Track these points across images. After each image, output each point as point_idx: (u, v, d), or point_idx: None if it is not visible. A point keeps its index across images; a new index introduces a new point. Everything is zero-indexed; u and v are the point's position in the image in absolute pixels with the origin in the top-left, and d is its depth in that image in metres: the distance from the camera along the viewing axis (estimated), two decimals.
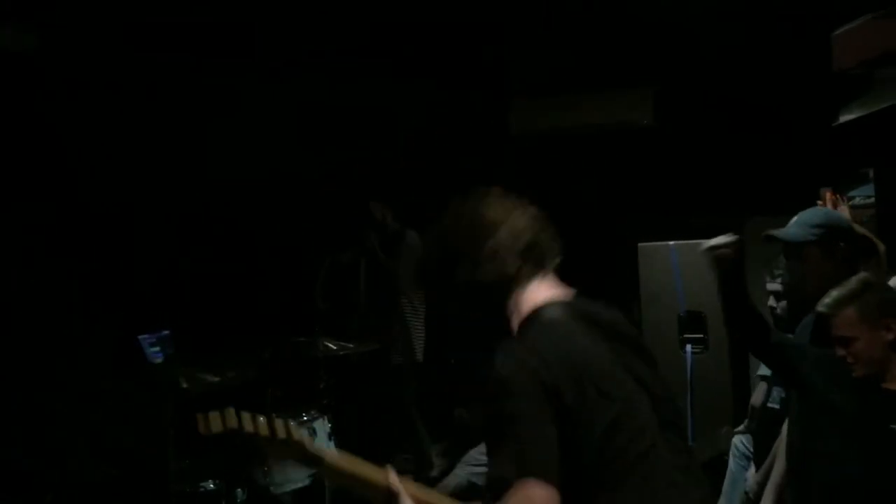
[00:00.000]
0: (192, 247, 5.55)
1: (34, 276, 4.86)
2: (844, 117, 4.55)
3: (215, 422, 1.59)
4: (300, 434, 1.71)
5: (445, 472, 5.59)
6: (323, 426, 4.50)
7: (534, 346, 1.73)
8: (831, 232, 2.78)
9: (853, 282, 2.62)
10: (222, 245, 5.67)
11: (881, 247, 3.07)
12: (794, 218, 2.87)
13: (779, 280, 3.86)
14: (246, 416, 1.62)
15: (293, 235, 5.96)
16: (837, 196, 3.97)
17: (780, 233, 2.84)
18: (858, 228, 3.07)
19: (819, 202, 3.79)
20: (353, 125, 6.14)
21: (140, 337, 4.22)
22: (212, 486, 4.30)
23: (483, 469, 4.83)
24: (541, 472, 1.63)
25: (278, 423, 1.67)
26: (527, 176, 5.71)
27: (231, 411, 1.61)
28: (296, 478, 4.35)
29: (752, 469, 4.00)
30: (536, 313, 1.81)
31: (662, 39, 5.41)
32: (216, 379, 4.25)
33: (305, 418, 4.48)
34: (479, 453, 4.96)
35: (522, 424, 1.67)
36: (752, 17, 5.04)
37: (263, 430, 1.65)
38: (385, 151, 6.23)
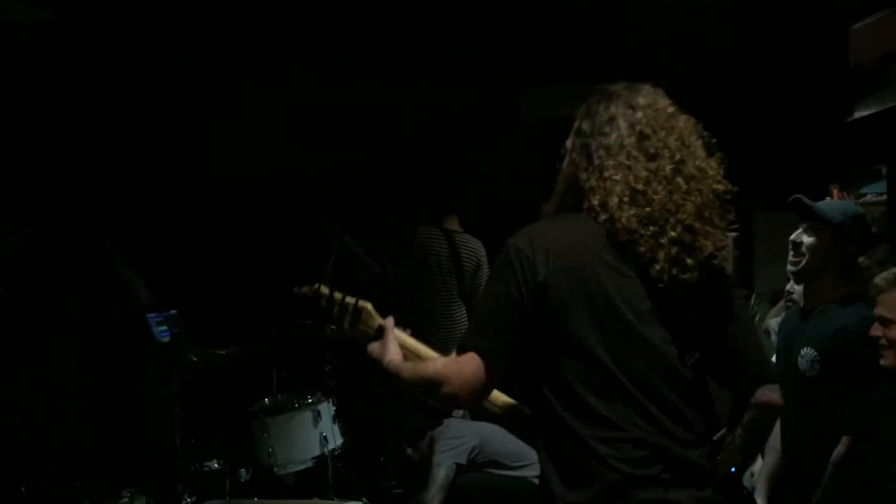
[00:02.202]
0: (191, 246, 5.53)
1: (34, 275, 4.82)
2: (860, 113, 4.54)
3: (305, 289, 2.12)
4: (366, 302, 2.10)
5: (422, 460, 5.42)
6: (328, 409, 4.44)
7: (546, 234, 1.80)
8: (852, 229, 2.79)
9: None
10: (222, 244, 5.64)
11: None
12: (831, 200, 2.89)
13: None
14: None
15: (292, 235, 5.91)
16: (844, 193, 3.97)
17: (811, 203, 2.86)
18: (866, 262, 3.06)
19: (827, 199, 3.77)
20: (353, 125, 6.12)
21: (147, 315, 4.20)
22: (216, 465, 4.27)
23: (454, 452, 4.73)
24: (481, 348, 1.75)
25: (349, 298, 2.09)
26: (536, 162, 5.69)
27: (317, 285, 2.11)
28: (299, 459, 4.33)
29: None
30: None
31: (669, 33, 5.42)
32: (223, 352, 4.27)
33: (310, 400, 4.42)
34: (450, 436, 4.86)
35: (490, 299, 1.78)
36: (761, 9, 5.03)
37: (338, 296, 2.08)
38: (385, 151, 6.21)
